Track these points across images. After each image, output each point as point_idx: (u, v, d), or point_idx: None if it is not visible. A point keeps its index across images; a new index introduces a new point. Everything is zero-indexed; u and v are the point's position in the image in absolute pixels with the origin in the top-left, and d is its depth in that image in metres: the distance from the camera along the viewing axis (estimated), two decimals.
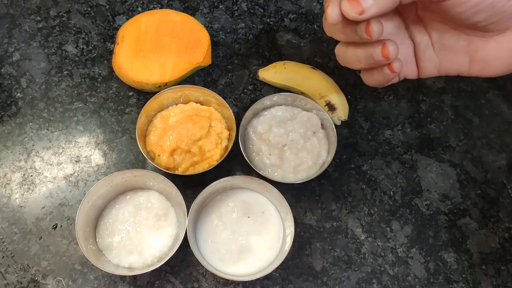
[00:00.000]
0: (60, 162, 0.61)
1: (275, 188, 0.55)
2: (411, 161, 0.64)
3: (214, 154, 0.59)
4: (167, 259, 0.52)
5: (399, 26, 0.47)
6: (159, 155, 0.58)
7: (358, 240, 0.60)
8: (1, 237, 0.57)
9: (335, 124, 0.61)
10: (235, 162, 0.62)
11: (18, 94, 0.64)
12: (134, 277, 0.56)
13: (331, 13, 0.40)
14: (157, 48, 0.62)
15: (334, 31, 0.45)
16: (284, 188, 0.56)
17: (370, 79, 0.48)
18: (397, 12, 0.45)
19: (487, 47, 0.43)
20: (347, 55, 0.46)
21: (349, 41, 0.45)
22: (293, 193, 0.61)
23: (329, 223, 0.60)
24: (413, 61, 0.48)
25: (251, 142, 0.61)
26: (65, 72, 0.66)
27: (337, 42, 0.49)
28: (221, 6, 0.72)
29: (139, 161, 0.62)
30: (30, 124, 0.62)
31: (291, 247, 0.54)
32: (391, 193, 0.62)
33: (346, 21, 0.41)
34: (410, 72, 0.48)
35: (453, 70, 0.46)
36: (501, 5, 0.39)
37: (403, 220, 0.61)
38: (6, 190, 0.59)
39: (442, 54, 0.46)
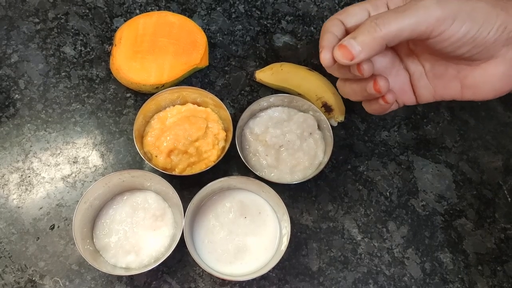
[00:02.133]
0: (58, 163, 0.61)
1: (271, 189, 0.55)
2: (408, 162, 0.64)
3: (211, 155, 0.59)
4: (163, 259, 0.52)
5: (393, 59, 0.50)
6: (156, 156, 0.58)
7: (354, 241, 0.60)
8: None
9: (331, 125, 0.61)
10: (232, 163, 0.62)
11: (16, 96, 0.64)
12: (131, 277, 0.56)
13: (324, 58, 0.45)
14: (154, 49, 0.63)
15: (331, 70, 0.50)
16: (281, 189, 0.57)
17: (370, 108, 0.51)
18: (391, 48, 0.48)
19: (475, 74, 0.46)
20: (345, 90, 0.51)
21: (345, 78, 0.50)
22: (289, 193, 0.61)
23: (326, 223, 0.61)
24: (410, 90, 0.51)
25: (248, 143, 0.61)
26: (63, 74, 0.66)
27: None
28: (218, 8, 0.72)
29: (137, 162, 0.62)
30: (28, 125, 0.63)
31: (288, 248, 0.54)
32: (388, 193, 0.63)
33: (338, 63, 0.45)
34: (408, 100, 0.51)
35: (447, 96, 0.49)
36: (481, 37, 0.42)
37: (399, 221, 0.61)
38: (3, 190, 0.59)
39: (435, 82, 0.49)
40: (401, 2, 0.46)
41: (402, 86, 0.50)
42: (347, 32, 0.48)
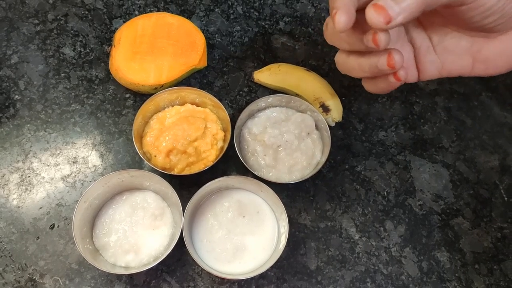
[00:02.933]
0: (58, 163, 0.62)
1: (270, 188, 0.55)
2: (405, 161, 0.65)
3: (210, 155, 0.59)
4: (163, 258, 0.52)
5: (399, 31, 0.46)
6: (155, 156, 0.58)
7: (352, 240, 0.60)
8: None
9: (329, 126, 0.62)
10: (231, 163, 0.63)
11: (16, 96, 0.65)
12: (131, 276, 0.57)
13: (340, 20, 0.38)
14: (153, 50, 0.63)
15: (337, 40, 0.45)
16: (279, 189, 0.57)
17: (373, 87, 0.47)
18: None
19: (491, 47, 0.44)
20: (348, 64, 0.46)
21: (353, 49, 0.45)
22: (288, 193, 0.62)
23: (324, 223, 0.61)
24: (414, 65, 0.48)
25: (246, 143, 0.62)
26: (63, 75, 0.66)
27: (332, 47, 0.48)
28: (217, 10, 0.72)
29: (136, 162, 0.62)
30: (28, 125, 0.63)
31: (286, 247, 0.55)
32: (385, 193, 0.63)
33: (353, 29, 0.40)
34: (411, 76, 0.48)
35: (456, 71, 0.46)
36: (509, 7, 0.40)
37: (396, 220, 0.62)
38: (4, 190, 0.60)
39: (444, 56, 0.46)
40: None
41: (406, 61, 0.46)
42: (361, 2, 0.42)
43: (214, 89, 0.67)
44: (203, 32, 0.66)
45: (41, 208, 0.59)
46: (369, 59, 0.43)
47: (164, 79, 0.62)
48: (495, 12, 0.40)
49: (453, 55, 0.46)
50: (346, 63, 0.46)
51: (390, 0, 0.37)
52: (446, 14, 0.43)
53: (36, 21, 0.69)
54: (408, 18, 0.38)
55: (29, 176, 0.61)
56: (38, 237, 0.58)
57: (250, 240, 0.57)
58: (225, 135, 0.61)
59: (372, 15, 0.37)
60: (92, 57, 0.68)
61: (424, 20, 0.46)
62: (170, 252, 0.52)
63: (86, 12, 0.71)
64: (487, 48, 0.44)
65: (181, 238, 0.53)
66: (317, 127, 0.63)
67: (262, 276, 0.58)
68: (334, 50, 0.49)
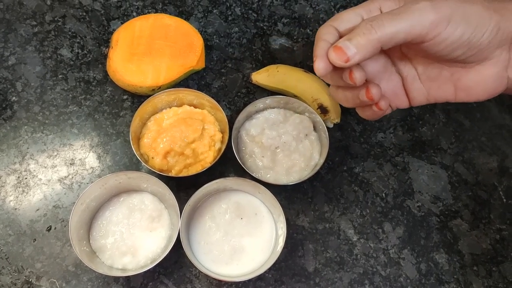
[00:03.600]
0: (55, 165, 0.61)
1: (267, 190, 0.55)
2: (403, 163, 0.65)
3: (207, 157, 0.59)
4: (160, 260, 0.52)
5: (385, 63, 0.49)
6: (152, 158, 0.58)
7: (350, 242, 0.60)
8: None
9: (327, 127, 0.61)
10: (228, 165, 0.62)
11: (14, 98, 0.64)
12: (128, 279, 0.56)
13: (318, 67, 0.44)
14: (151, 51, 0.63)
15: (324, 77, 0.49)
16: (277, 190, 0.57)
17: (363, 114, 0.51)
18: (383, 52, 0.47)
19: (469, 76, 0.46)
20: (338, 96, 0.50)
21: (338, 85, 0.49)
22: (285, 195, 0.62)
23: (322, 224, 0.61)
24: (403, 93, 0.50)
25: (244, 144, 0.61)
26: (60, 76, 0.66)
27: None
28: (215, 11, 0.72)
29: (133, 164, 0.62)
30: (25, 127, 0.63)
31: (284, 249, 0.54)
32: (383, 195, 0.63)
33: (333, 70, 0.44)
34: (402, 103, 0.51)
35: (441, 98, 0.48)
36: (476, 40, 0.42)
37: (395, 222, 0.61)
38: (0, 192, 0.60)
39: (428, 84, 0.49)
40: (394, 5, 0.45)
41: (395, 90, 0.50)
42: (341, 38, 0.47)
43: (212, 90, 0.67)
44: (201, 34, 0.66)
45: (38, 210, 0.59)
46: (352, 92, 0.48)
47: (162, 80, 0.62)
48: (460, 46, 0.42)
49: (437, 83, 0.48)
50: (336, 95, 0.51)
51: (347, 41, 0.42)
52: (416, 48, 0.45)
53: (34, 23, 0.69)
54: (364, 56, 0.42)
55: (26, 178, 0.61)
56: (35, 239, 0.58)
57: (247, 242, 0.56)
58: (222, 137, 0.61)
59: (332, 56, 0.42)
60: (89, 58, 0.68)
61: (407, 53, 0.48)
62: (167, 254, 0.52)
63: (84, 14, 0.70)
64: (465, 77, 0.46)
65: (178, 240, 0.53)
66: (315, 129, 0.62)
67: (259, 278, 0.58)
68: None
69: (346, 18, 0.46)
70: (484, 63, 0.44)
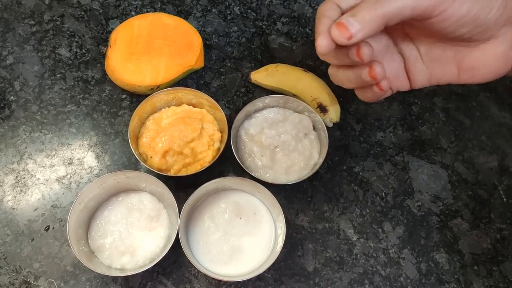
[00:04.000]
0: (53, 164, 0.61)
1: (267, 189, 0.55)
2: (403, 162, 0.65)
3: (206, 156, 0.59)
4: (158, 260, 0.52)
5: (387, 44, 0.48)
6: (151, 157, 0.58)
7: (350, 241, 0.60)
8: None
9: (327, 126, 0.61)
10: (227, 164, 0.62)
11: (12, 97, 0.64)
12: (126, 279, 0.56)
13: (321, 44, 0.42)
14: (149, 51, 0.63)
15: (327, 56, 0.47)
16: (276, 190, 0.57)
17: (363, 96, 0.50)
18: (385, 31, 0.46)
19: (473, 56, 0.45)
20: (338, 76, 0.49)
21: (341, 64, 0.48)
22: (285, 194, 0.61)
23: (321, 224, 0.61)
24: (404, 75, 0.49)
25: (243, 143, 0.61)
26: (58, 75, 0.66)
27: None
28: (214, 10, 0.72)
29: (132, 163, 0.62)
30: (23, 126, 0.63)
31: (283, 248, 0.54)
32: (383, 194, 0.63)
33: (338, 47, 0.43)
34: (402, 85, 0.50)
35: (444, 80, 0.48)
36: (483, 16, 0.41)
37: (395, 221, 0.61)
38: None
39: (431, 65, 0.48)
40: None
41: (396, 71, 0.49)
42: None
43: (211, 89, 0.67)
44: (200, 33, 0.66)
45: (36, 209, 0.59)
46: (355, 71, 0.46)
47: (161, 79, 0.62)
48: (467, 23, 0.41)
49: (439, 64, 0.47)
50: (337, 76, 0.49)
51: (351, 18, 0.40)
52: (420, 26, 0.44)
53: (32, 22, 0.69)
54: (368, 33, 0.41)
55: (24, 178, 0.60)
56: (33, 239, 0.57)
57: (247, 242, 0.56)
58: (221, 136, 0.61)
59: (335, 33, 0.41)
60: (88, 58, 0.67)
61: (410, 32, 0.47)
62: (166, 254, 0.52)
63: (82, 13, 0.70)
64: (470, 57, 0.45)
65: (177, 240, 0.53)
66: (314, 128, 0.62)
67: (259, 278, 0.57)
68: None
69: None
70: (490, 42, 0.43)
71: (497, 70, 0.45)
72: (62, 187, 0.60)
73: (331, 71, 0.50)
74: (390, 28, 0.45)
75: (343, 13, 0.44)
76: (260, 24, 0.72)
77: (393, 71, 0.49)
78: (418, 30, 0.46)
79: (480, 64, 0.45)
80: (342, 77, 0.49)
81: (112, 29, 0.69)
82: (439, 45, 0.46)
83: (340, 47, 0.43)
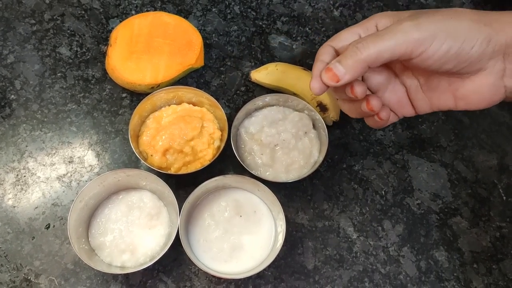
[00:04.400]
0: (53, 163, 0.61)
1: (267, 187, 0.55)
2: (403, 161, 0.65)
3: (207, 154, 0.59)
4: (159, 258, 0.52)
5: (388, 76, 0.51)
6: (151, 155, 0.58)
7: (350, 239, 0.60)
8: None
9: (326, 125, 0.61)
10: (228, 162, 0.62)
11: (12, 96, 0.64)
12: (127, 276, 0.56)
13: (313, 87, 0.47)
14: (149, 49, 0.63)
15: (331, 92, 0.53)
16: (276, 188, 0.57)
17: (369, 123, 0.53)
18: (385, 65, 0.49)
19: (466, 86, 0.47)
20: (344, 108, 0.53)
21: (342, 99, 0.52)
22: (285, 192, 0.62)
23: (321, 222, 0.61)
24: (408, 102, 0.52)
25: (243, 142, 0.61)
26: (59, 74, 0.66)
27: None
28: (214, 9, 0.72)
29: (132, 162, 0.62)
30: (24, 125, 0.63)
31: (283, 246, 0.54)
32: (383, 192, 0.63)
33: (334, 87, 0.47)
34: (407, 112, 0.52)
35: (443, 107, 0.50)
36: (465, 53, 0.43)
37: (394, 219, 0.61)
38: None
39: (429, 94, 0.50)
40: (389, 22, 0.47)
41: (400, 99, 0.52)
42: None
43: (211, 88, 0.67)
44: (200, 32, 0.66)
45: (36, 208, 0.59)
46: (355, 104, 0.51)
47: (161, 78, 0.62)
48: (449, 60, 0.43)
49: (437, 93, 0.49)
50: (343, 107, 0.53)
51: (337, 63, 0.45)
52: (409, 64, 0.47)
53: (33, 21, 0.69)
54: (353, 76, 0.45)
55: (24, 176, 0.60)
56: (34, 237, 0.58)
57: (247, 240, 0.56)
58: (222, 135, 0.61)
59: (325, 77, 0.45)
60: (88, 56, 0.68)
61: (408, 65, 0.50)
62: (166, 252, 0.52)
63: (83, 12, 0.70)
64: (463, 87, 0.47)
65: (177, 238, 0.53)
66: (314, 126, 0.62)
67: (259, 275, 0.57)
68: None
69: (344, 37, 0.49)
70: (479, 74, 0.45)
71: (489, 99, 0.47)
72: (62, 186, 0.60)
73: (339, 102, 0.54)
74: (390, 63, 0.50)
75: (338, 55, 0.49)
76: (260, 23, 0.72)
77: (397, 99, 0.52)
78: (411, 65, 0.48)
79: (473, 93, 0.47)
80: (346, 108, 0.53)
81: (113, 28, 0.69)
82: (434, 76, 0.49)
83: (337, 87, 0.48)
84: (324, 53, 0.49)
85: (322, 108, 0.63)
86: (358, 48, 0.44)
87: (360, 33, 0.49)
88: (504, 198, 0.63)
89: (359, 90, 0.47)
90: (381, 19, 0.48)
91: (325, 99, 0.63)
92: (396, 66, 0.51)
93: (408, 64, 0.47)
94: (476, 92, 0.47)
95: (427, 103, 0.51)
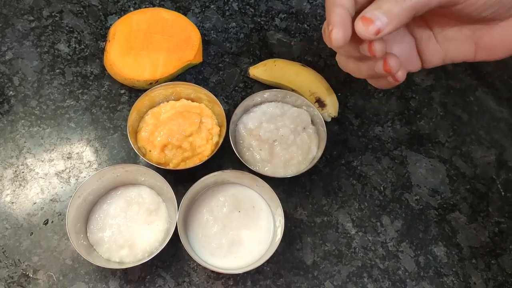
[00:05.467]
0: (52, 159, 0.61)
1: (265, 183, 0.55)
2: (401, 156, 0.65)
3: (205, 150, 0.59)
4: (157, 253, 0.52)
5: None
6: (150, 151, 0.58)
7: (348, 235, 0.60)
8: None
9: (325, 121, 0.61)
10: (226, 158, 0.62)
11: (11, 92, 0.64)
12: (125, 272, 0.56)
13: (336, 37, 0.39)
14: (148, 45, 0.63)
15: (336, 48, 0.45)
16: (275, 184, 0.57)
17: (376, 84, 0.48)
18: None
19: (493, 34, 0.43)
20: (348, 66, 0.47)
21: (351, 55, 0.46)
22: (284, 188, 0.61)
23: (320, 218, 0.61)
24: (416, 55, 0.48)
25: (242, 137, 0.61)
26: (57, 71, 0.66)
27: None
28: (212, 6, 0.72)
29: (131, 157, 0.62)
30: (22, 121, 0.63)
31: (282, 242, 0.54)
32: (381, 188, 0.63)
33: (350, 40, 0.40)
34: (414, 66, 0.48)
35: (459, 58, 0.46)
36: None
37: (393, 215, 0.61)
38: None
39: (446, 44, 0.46)
40: None
41: (407, 53, 0.47)
42: (358, 6, 0.42)
43: (210, 85, 0.67)
44: (198, 29, 0.66)
45: (35, 203, 0.59)
46: (367, 63, 0.44)
47: (159, 74, 0.62)
48: (492, 5, 0.40)
49: (455, 43, 0.45)
50: (346, 65, 0.47)
51: (377, 11, 0.38)
52: (441, 12, 0.43)
53: (31, 18, 0.69)
54: (396, 27, 0.38)
55: (23, 172, 0.60)
56: (32, 233, 0.57)
57: (245, 235, 0.56)
58: (220, 130, 0.61)
59: (361, 28, 0.38)
60: (87, 53, 0.68)
61: (441, 13, 0.45)
62: (165, 247, 0.52)
63: (81, 9, 0.70)
64: (488, 35, 0.44)
65: (176, 233, 0.53)
66: (313, 122, 0.62)
67: (258, 271, 0.57)
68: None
69: None
70: (509, 20, 0.42)
71: None
72: (61, 181, 0.60)
73: (339, 58, 0.48)
74: None
75: (357, 2, 0.41)
76: (259, 20, 0.72)
77: (404, 53, 0.47)
78: (438, 14, 0.44)
79: (499, 41, 0.44)
80: (352, 67, 0.46)
81: (111, 24, 0.69)
82: (454, 24, 0.44)
83: (352, 41, 0.41)
84: None
85: (320, 104, 0.63)
86: None
87: None
88: (503, 193, 0.63)
89: (379, 47, 0.40)
90: None
91: (324, 95, 0.63)
92: None
93: (443, 12, 0.42)
94: (502, 39, 0.43)
95: (440, 54, 0.46)
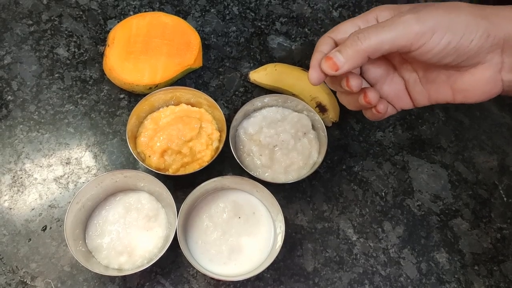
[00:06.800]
0: (50, 164, 0.61)
1: (265, 189, 0.55)
2: (403, 162, 0.64)
3: (205, 155, 0.59)
4: (156, 260, 0.51)
5: (387, 68, 0.52)
6: (149, 156, 0.58)
7: (349, 241, 0.59)
8: None
9: (326, 126, 0.61)
10: (226, 163, 0.62)
11: (9, 97, 0.64)
12: (124, 279, 0.56)
13: (311, 77, 0.48)
14: (147, 50, 0.62)
15: (328, 84, 0.53)
16: (275, 189, 0.56)
17: (367, 115, 0.53)
18: (384, 58, 0.50)
19: (464, 79, 0.47)
20: (342, 100, 0.54)
21: (340, 91, 0.53)
22: (284, 194, 0.61)
23: (321, 224, 0.60)
24: (406, 95, 0.52)
25: (242, 143, 0.61)
26: (56, 75, 0.66)
27: None
28: (212, 10, 0.72)
29: (130, 163, 0.62)
30: (21, 126, 0.62)
31: (283, 248, 0.54)
32: (383, 194, 0.62)
33: (333, 78, 0.50)
34: (405, 104, 0.53)
35: (441, 100, 0.50)
36: (464, 47, 0.43)
37: (394, 221, 0.61)
38: None
39: (428, 87, 0.50)
40: (389, 15, 0.47)
41: (398, 92, 0.52)
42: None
43: (210, 89, 0.67)
44: (198, 33, 0.66)
45: (33, 209, 0.58)
46: (353, 97, 0.51)
47: (159, 79, 0.62)
48: (448, 54, 0.44)
49: (435, 86, 0.50)
50: (340, 99, 0.54)
51: (337, 52, 0.45)
52: (409, 57, 0.47)
53: (30, 22, 0.69)
54: (353, 65, 0.45)
55: (21, 177, 0.60)
56: (30, 239, 0.57)
57: (245, 241, 0.56)
58: (220, 135, 0.60)
59: (324, 66, 0.46)
60: (86, 57, 0.67)
61: (407, 58, 0.50)
62: (164, 254, 0.51)
63: (81, 13, 0.70)
64: (461, 80, 0.47)
65: (175, 240, 0.52)
66: (313, 127, 0.62)
67: (258, 278, 0.57)
68: None
69: (344, 29, 0.49)
70: (477, 67, 0.46)
71: (487, 92, 0.47)
72: (59, 187, 0.60)
73: (338, 95, 0.55)
74: (389, 56, 0.50)
75: (337, 46, 0.48)
76: (259, 24, 0.72)
77: (395, 91, 0.52)
78: (410, 58, 0.48)
79: (471, 86, 0.47)
80: (344, 100, 0.53)
81: (110, 29, 0.69)
82: (433, 69, 0.49)
83: (335, 79, 0.49)
84: (323, 44, 0.49)
85: (321, 108, 0.62)
86: (359, 38, 0.44)
87: (360, 25, 0.49)
88: (505, 199, 0.63)
89: (354, 83, 0.47)
90: (382, 12, 0.48)
91: (324, 99, 0.62)
92: (395, 59, 0.52)
93: (407, 57, 0.47)
94: (474, 85, 0.47)
95: (425, 95, 0.51)
